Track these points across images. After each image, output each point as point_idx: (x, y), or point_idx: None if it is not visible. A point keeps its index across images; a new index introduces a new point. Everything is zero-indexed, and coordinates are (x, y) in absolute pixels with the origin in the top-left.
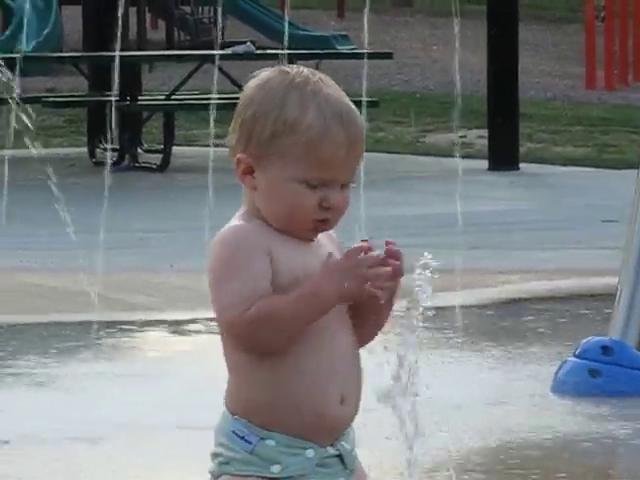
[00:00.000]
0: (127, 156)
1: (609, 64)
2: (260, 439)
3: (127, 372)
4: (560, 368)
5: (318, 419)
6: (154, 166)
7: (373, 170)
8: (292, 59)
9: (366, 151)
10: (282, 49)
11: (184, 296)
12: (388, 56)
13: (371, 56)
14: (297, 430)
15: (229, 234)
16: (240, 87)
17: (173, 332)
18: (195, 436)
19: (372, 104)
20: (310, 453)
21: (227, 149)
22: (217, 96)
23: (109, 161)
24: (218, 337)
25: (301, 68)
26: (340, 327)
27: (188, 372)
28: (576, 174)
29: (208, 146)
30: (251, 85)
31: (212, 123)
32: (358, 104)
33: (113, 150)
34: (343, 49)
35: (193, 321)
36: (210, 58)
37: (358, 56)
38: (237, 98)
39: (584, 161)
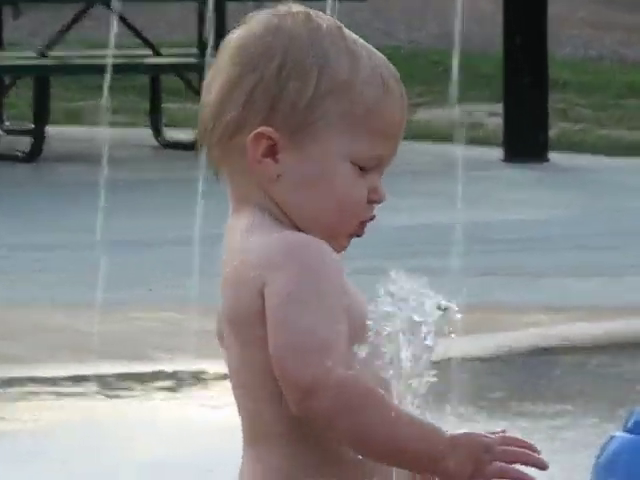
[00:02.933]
0: None
1: None
2: None
3: None
4: (606, 446)
5: None
6: (20, 154)
7: None
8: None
9: None
10: None
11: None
12: None
13: None
14: None
15: (302, 239)
16: (146, 41)
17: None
18: None
19: None
20: None
21: (128, 129)
22: (115, 53)
23: None
24: None
25: (308, 11)
26: None
27: None
28: (630, 168)
29: (99, 125)
30: (254, 32)
31: (106, 92)
32: None
33: None
34: None
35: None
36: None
37: None
38: (142, 57)
39: None
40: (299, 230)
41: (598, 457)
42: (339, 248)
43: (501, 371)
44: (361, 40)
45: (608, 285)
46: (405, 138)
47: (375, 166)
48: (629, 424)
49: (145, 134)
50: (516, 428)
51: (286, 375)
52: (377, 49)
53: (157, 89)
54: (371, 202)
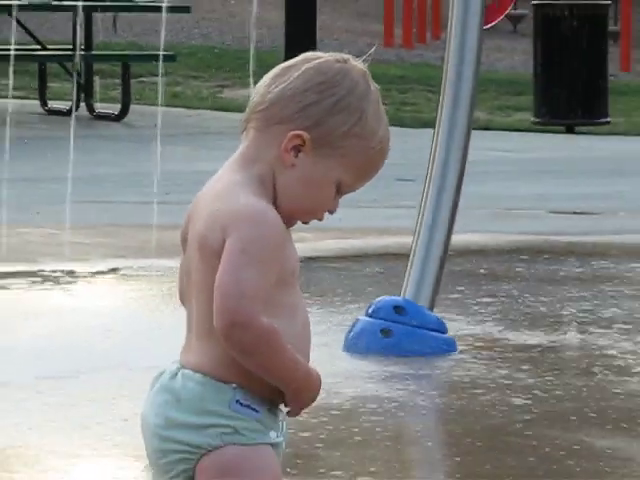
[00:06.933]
0: None
1: (407, 22)
2: (262, 407)
3: None
4: (352, 327)
5: None
6: None
7: (171, 125)
8: (89, 11)
9: (164, 105)
10: (79, 0)
11: None
12: (186, 10)
13: (170, 10)
14: (277, 396)
15: (266, 214)
16: (37, 39)
17: None
18: None
19: (169, 58)
20: (282, 416)
21: (21, 101)
22: (15, 47)
23: None
24: (13, 291)
25: (366, 70)
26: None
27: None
28: None
29: (4, 98)
30: (330, 67)
31: (11, 74)
32: (155, 58)
33: None
34: (141, 2)
35: None
36: (5, 9)
37: (156, 9)
38: (34, 50)
39: None
40: (274, 203)
41: (348, 333)
42: (290, 225)
43: None
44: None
45: (357, 213)
46: (215, 109)
47: (344, 192)
48: (370, 311)
49: (35, 104)
50: None
51: (222, 307)
52: (196, 49)
53: (43, 73)
54: (329, 211)
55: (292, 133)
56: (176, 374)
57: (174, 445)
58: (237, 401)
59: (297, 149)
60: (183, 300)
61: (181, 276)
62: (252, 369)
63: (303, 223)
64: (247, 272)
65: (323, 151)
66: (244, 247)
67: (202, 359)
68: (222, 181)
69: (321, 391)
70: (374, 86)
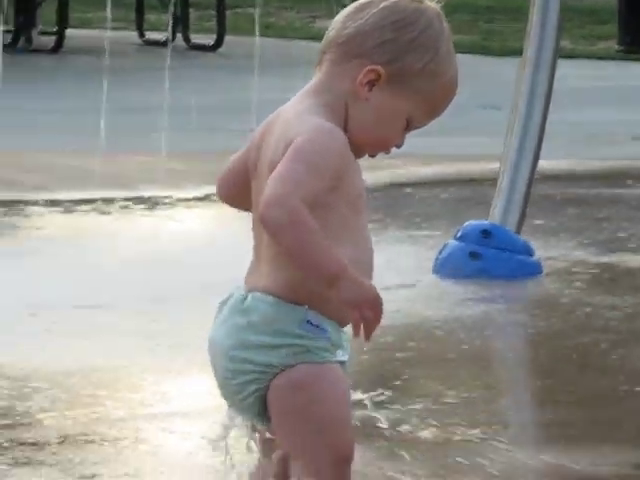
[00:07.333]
0: (22, 38)
1: None
2: (330, 326)
3: (24, 251)
4: (441, 251)
5: None
6: (48, 48)
7: (264, 55)
8: None
9: (258, 36)
10: None
11: (75, 176)
12: None
13: None
14: (343, 317)
15: (331, 130)
16: None
17: (68, 212)
18: (98, 316)
19: None
20: (346, 337)
21: (119, 33)
22: None
23: (4, 43)
24: (113, 217)
25: (440, 11)
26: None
27: (85, 252)
28: (460, 61)
29: (103, 29)
30: (406, 5)
31: (109, 6)
32: None
33: (8, 32)
34: None
35: (88, 201)
36: None
37: None
38: None
39: (469, 48)
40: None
41: (437, 256)
42: (358, 156)
43: (370, 199)
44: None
45: (446, 141)
46: (309, 39)
47: (413, 128)
48: (458, 235)
49: (132, 35)
50: (377, 238)
51: (267, 192)
52: None
53: (141, 5)
54: (396, 145)
55: (368, 68)
56: (245, 297)
57: (247, 366)
58: (308, 321)
59: (371, 83)
60: (254, 226)
61: (255, 204)
62: (286, 251)
63: (370, 156)
64: (297, 167)
65: (397, 86)
66: (303, 147)
67: (272, 282)
68: (294, 109)
69: (408, 311)
70: (446, 25)
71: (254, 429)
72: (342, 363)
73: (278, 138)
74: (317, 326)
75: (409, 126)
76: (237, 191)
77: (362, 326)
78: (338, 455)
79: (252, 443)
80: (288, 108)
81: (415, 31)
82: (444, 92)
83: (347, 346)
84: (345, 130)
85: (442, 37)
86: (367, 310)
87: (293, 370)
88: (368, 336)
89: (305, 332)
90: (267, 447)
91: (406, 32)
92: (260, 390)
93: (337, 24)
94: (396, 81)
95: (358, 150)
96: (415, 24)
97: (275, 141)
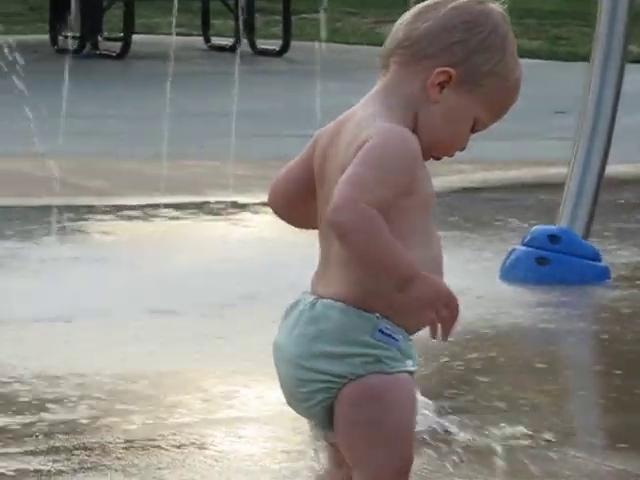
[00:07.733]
0: (88, 44)
1: None
2: (400, 335)
3: (93, 257)
4: (509, 256)
5: None
6: (114, 54)
7: (330, 60)
8: None
9: (324, 41)
10: None
11: (141, 181)
12: None
13: None
14: (412, 325)
15: (403, 133)
16: None
17: (134, 217)
18: (165, 321)
19: None
20: (412, 346)
21: (185, 38)
22: None
23: (70, 48)
24: (179, 222)
25: (504, 13)
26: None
27: (153, 258)
28: (528, 66)
29: (169, 35)
30: (472, 6)
31: (175, 12)
32: None
33: (74, 38)
34: None
35: (154, 206)
36: None
37: None
38: None
39: (536, 53)
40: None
41: (504, 261)
42: (425, 158)
43: (439, 204)
44: None
45: (515, 145)
46: (375, 44)
47: (477, 129)
48: (525, 240)
49: (198, 41)
50: (445, 243)
51: (335, 195)
52: None
53: (207, 10)
54: (460, 148)
55: (439, 69)
56: (315, 304)
57: (317, 375)
58: (380, 330)
59: (442, 85)
60: (322, 231)
61: (321, 209)
62: (356, 255)
63: (435, 159)
64: (367, 170)
65: (465, 88)
66: (374, 150)
67: (342, 289)
68: (363, 112)
69: (474, 317)
70: (510, 27)
71: (319, 437)
72: (411, 373)
73: (349, 142)
74: (389, 335)
75: (474, 128)
76: (293, 200)
77: (439, 326)
78: (402, 465)
79: (317, 450)
80: (357, 112)
81: (484, 32)
82: (510, 93)
83: (415, 356)
84: (414, 132)
85: (508, 38)
86: (443, 309)
87: (366, 380)
88: (446, 336)
89: (377, 341)
90: (331, 455)
91: (475, 33)
92: (328, 399)
93: (403, 26)
94: (465, 83)
95: (425, 152)
96: (484, 25)
97: (346, 145)
